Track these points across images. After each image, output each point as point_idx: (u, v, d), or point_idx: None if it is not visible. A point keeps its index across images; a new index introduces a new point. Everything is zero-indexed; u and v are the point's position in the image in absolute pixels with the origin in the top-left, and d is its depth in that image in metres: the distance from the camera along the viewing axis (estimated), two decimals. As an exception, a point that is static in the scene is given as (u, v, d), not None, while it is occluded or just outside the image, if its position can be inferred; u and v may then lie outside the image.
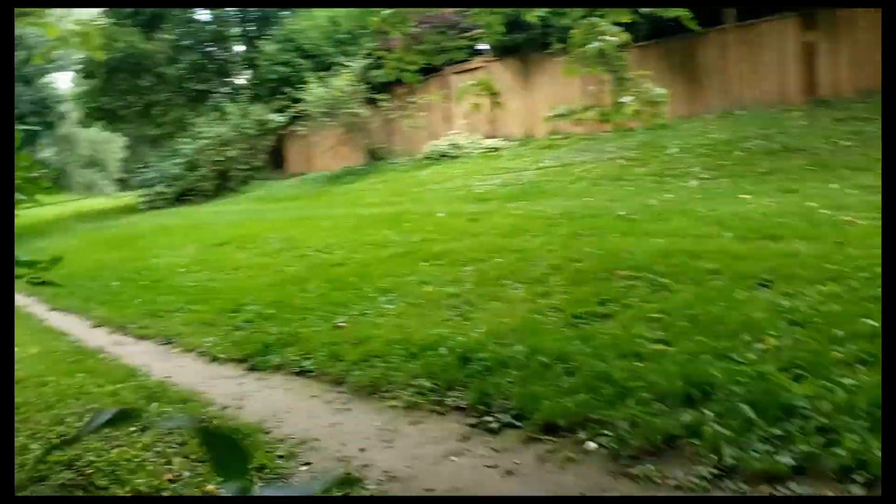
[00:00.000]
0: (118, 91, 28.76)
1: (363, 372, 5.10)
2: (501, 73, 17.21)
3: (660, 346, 4.58)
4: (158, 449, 4.27)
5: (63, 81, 52.90)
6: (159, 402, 5.09)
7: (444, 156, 17.19)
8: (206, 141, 24.64)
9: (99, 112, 30.02)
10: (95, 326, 8.38)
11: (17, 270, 4.62)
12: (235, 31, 30.63)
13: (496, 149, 16.47)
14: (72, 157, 63.68)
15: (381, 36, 11.57)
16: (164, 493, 3.78)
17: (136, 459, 4.14)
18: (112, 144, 62.83)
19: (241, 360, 6.05)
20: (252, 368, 5.86)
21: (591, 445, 3.69)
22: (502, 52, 17.12)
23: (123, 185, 29.84)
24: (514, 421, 4.07)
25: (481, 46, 17.60)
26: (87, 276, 11.38)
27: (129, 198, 27.30)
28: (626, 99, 4.87)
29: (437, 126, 18.89)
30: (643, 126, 12.53)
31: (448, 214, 10.33)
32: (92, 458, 4.19)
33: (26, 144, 18.04)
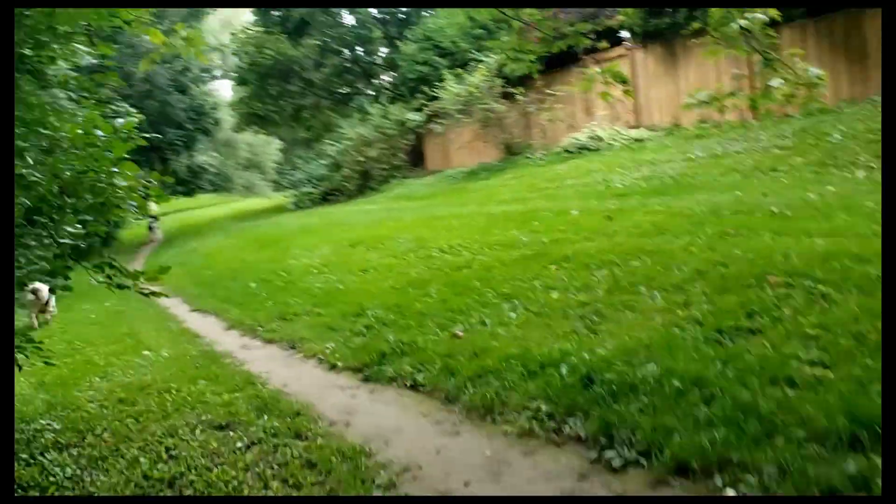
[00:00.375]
0: (269, 96, 30.12)
1: (477, 390, 4.70)
2: (644, 61, 16.23)
3: (818, 371, 3.85)
4: (258, 469, 4.09)
5: (225, 89, 56.46)
6: (270, 415, 4.94)
7: (583, 149, 16.45)
8: (349, 142, 25.21)
9: (252, 117, 31.56)
10: (228, 329, 8.54)
11: (125, 280, 4.61)
12: (378, 33, 31.18)
13: (640, 140, 15.52)
14: (232, 160, 67.98)
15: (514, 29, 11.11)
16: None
17: (234, 481, 3.97)
18: (269, 147, 66.35)
19: (356, 370, 5.84)
20: (366, 379, 5.62)
21: (730, 493, 3.09)
22: (645, 38, 16.13)
23: (277, 185, 31.19)
24: (639, 458, 3.51)
25: (624, 33, 16.72)
26: (230, 277, 11.77)
27: (281, 198, 28.52)
28: (775, 82, 4.13)
29: (576, 118, 18.14)
30: (800, 111, 11.37)
31: (582, 212, 9.70)
32: (193, 478, 4.07)
33: (183, 150, 19.21)
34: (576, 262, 7.18)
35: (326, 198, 25.10)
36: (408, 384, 5.25)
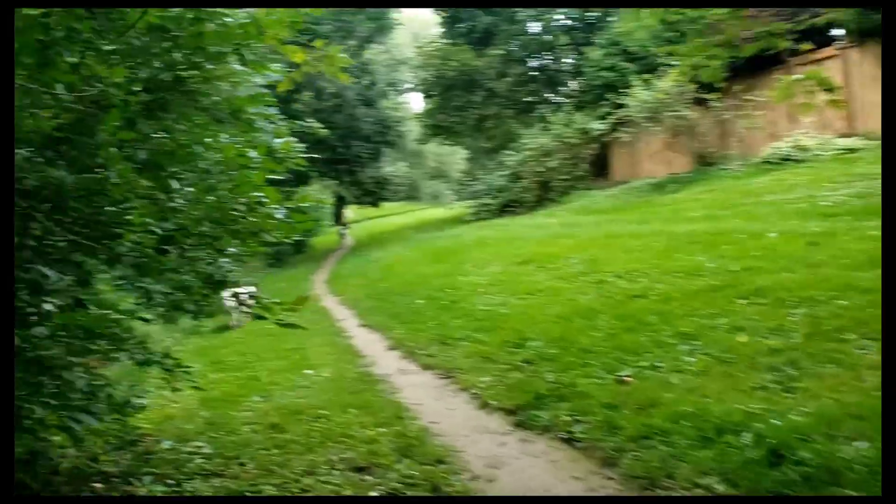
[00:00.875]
0: (453, 108, 30.50)
1: (640, 454, 4.03)
2: (859, 61, 14.33)
3: None
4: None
5: (417, 102, 58.39)
6: (411, 460, 4.58)
7: (786, 159, 14.80)
8: (530, 152, 24.79)
9: (436, 128, 32.11)
10: (390, 349, 8.37)
11: (262, 311, 4.44)
12: (564, 40, 30.54)
13: (853, 150, 13.64)
14: (420, 170, 70.23)
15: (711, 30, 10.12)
16: None
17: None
18: (455, 156, 67.72)
19: (510, 411, 5.34)
20: (519, 424, 5.11)
21: None
22: (861, 35, 14.22)
23: (459, 195, 31.55)
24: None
25: (836, 31, 14.89)
26: (401, 291, 11.73)
27: (461, 209, 28.73)
28: None
29: (778, 125, 16.43)
30: None
31: (781, 235, 8.52)
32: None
33: (369, 162, 19.61)
34: (770, 298, 6.19)
35: (505, 209, 24.82)
36: (563, 436, 4.68)
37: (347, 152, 24.23)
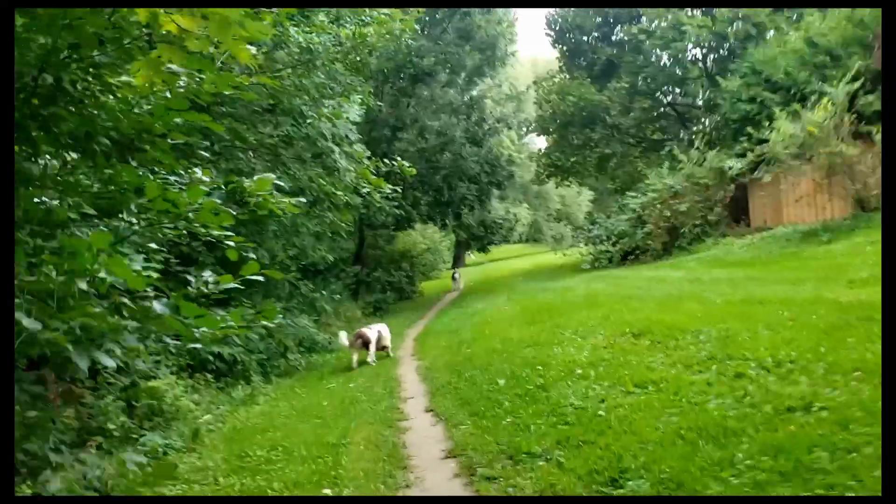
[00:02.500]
0: (571, 146, 28.40)
1: None
2: None
3: None
4: None
5: (538, 142, 56.63)
6: None
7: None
8: (655, 194, 22.26)
9: (554, 168, 30.04)
10: (447, 457, 6.32)
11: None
12: (696, 71, 27.83)
13: None
14: (543, 211, 68.07)
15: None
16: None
17: None
18: (580, 198, 65.39)
19: None
20: None
21: None
22: None
23: (579, 240, 29.27)
24: None
25: None
26: (483, 363, 9.71)
27: (573, 254, 26.41)
28: None
29: (967, 162, 13.21)
30: None
31: None
32: None
33: (476, 204, 17.65)
34: None
35: (626, 258, 22.31)
36: None
37: (452, 194, 22.59)
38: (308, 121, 13.17)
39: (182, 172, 4.60)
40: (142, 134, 3.60)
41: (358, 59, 14.50)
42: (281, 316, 13.89)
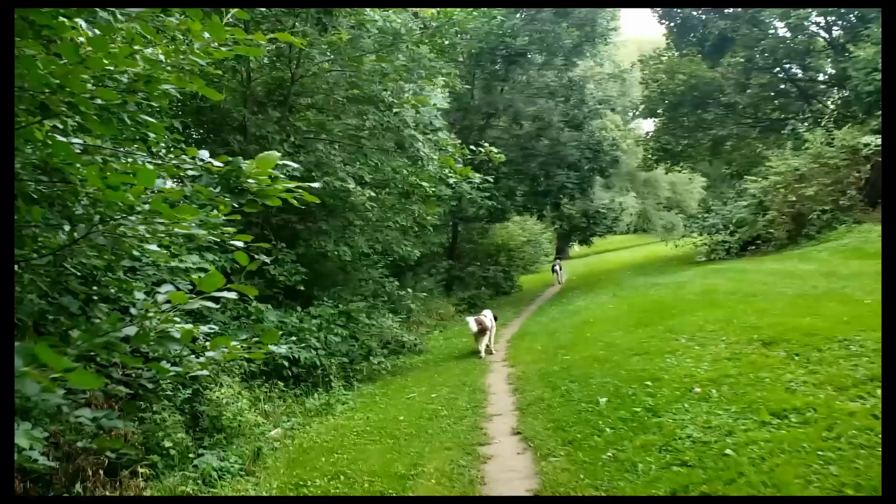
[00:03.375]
0: (682, 128, 26.29)
1: None
2: None
3: None
4: None
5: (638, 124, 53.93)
6: None
7: None
8: (778, 177, 20.06)
9: (663, 152, 27.96)
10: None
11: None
12: (821, 42, 25.12)
13: None
14: (652, 200, 65.05)
15: None
16: None
17: None
18: (692, 185, 62.02)
19: None
20: None
21: None
22: None
23: (692, 229, 27.20)
24: None
25: None
26: (582, 374, 8.46)
27: (685, 245, 24.37)
28: None
29: None
30: None
31: None
32: None
33: (577, 192, 16.32)
34: None
35: (746, 248, 20.26)
36: None
37: (550, 183, 21.08)
38: (394, 110, 12.24)
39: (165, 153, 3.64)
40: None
41: (444, 40, 13.47)
42: (364, 315, 13.12)
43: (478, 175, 14.54)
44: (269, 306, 10.34)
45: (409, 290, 14.39)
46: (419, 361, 12.75)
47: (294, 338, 10.46)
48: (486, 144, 12.34)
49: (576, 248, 50.31)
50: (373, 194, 11.58)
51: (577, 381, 8.11)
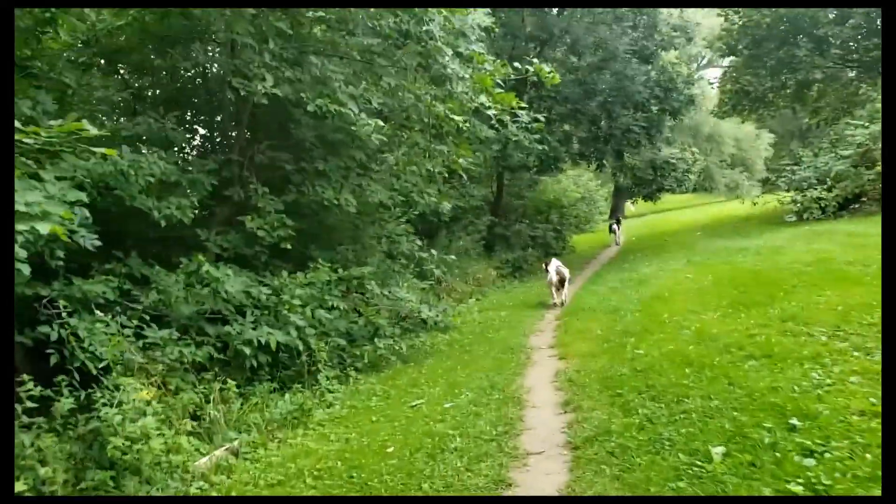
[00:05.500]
0: (766, 68, 22.59)
1: None
2: None
3: None
4: None
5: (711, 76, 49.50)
6: None
7: None
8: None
9: (742, 96, 24.22)
10: None
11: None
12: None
13: None
14: (715, 156, 60.61)
15: None
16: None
17: None
18: (758, 142, 57.59)
19: None
20: None
21: None
22: None
23: (769, 186, 23.71)
24: None
25: None
26: (665, 386, 5.61)
27: (772, 202, 21.01)
28: None
29: None
30: None
31: None
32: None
33: (644, 138, 12.97)
34: None
35: (846, 207, 16.87)
36: None
37: (613, 125, 17.69)
38: (417, 15, 9.31)
39: None
40: None
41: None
42: (374, 283, 10.42)
43: (524, 111, 11.66)
44: (230, 271, 7.69)
45: (433, 251, 11.56)
46: (443, 342, 10.00)
47: (265, 313, 7.84)
48: (535, 62, 9.41)
49: (631, 208, 46.75)
50: (381, 124, 8.74)
51: (661, 401, 5.27)
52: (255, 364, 7.32)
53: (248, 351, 7.14)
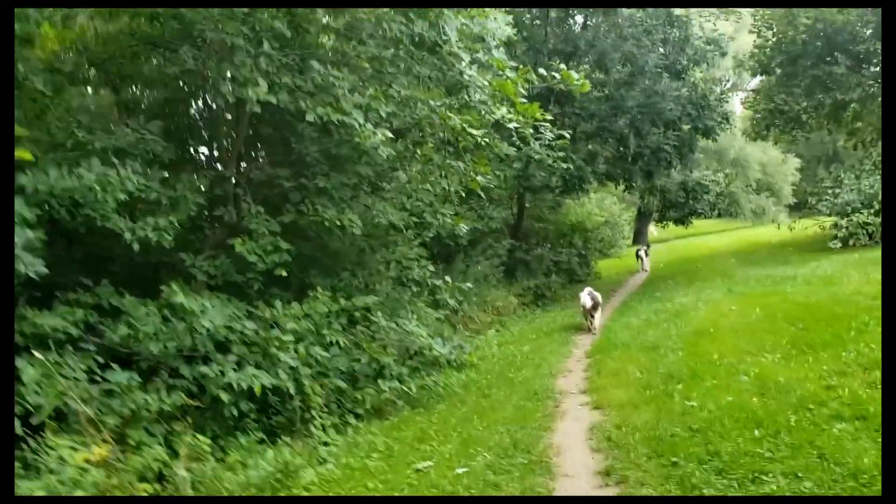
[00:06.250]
0: (801, 87, 21.42)
1: None
2: None
3: None
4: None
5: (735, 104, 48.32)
6: None
7: None
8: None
9: (777, 115, 22.98)
10: None
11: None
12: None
13: None
14: (741, 181, 59.14)
15: None
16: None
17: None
18: (785, 167, 56.24)
19: None
20: None
21: None
22: None
23: (805, 210, 22.46)
24: None
25: None
26: (735, 455, 4.50)
27: (812, 227, 19.79)
28: None
29: None
30: None
31: None
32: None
33: (675, 158, 11.63)
34: None
35: (896, 232, 15.63)
36: None
37: (642, 144, 16.51)
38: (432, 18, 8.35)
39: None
40: None
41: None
42: (381, 314, 9.32)
43: (548, 126, 10.69)
44: (209, 302, 6.66)
45: (448, 279, 10.45)
46: (457, 383, 8.87)
47: (253, 351, 6.81)
48: (564, 67, 8.42)
49: (654, 233, 45.45)
50: (389, 135, 7.71)
51: (731, 476, 4.14)
52: (235, 413, 6.27)
53: (226, 398, 6.09)
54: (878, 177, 17.04)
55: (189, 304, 6.36)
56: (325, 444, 6.65)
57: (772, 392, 5.57)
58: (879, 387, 5.07)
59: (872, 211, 16.10)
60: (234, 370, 6.47)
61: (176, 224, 7.11)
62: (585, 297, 11.60)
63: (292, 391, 6.81)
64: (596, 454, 5.31)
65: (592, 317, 11.69)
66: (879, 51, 20.86)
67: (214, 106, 9.56)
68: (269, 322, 7.37)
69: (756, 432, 4.73)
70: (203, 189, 8.55)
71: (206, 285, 7.80)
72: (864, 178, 18.08)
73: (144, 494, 4.80)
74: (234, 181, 8.66)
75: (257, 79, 7.18)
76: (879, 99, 22.88)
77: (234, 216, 8.35)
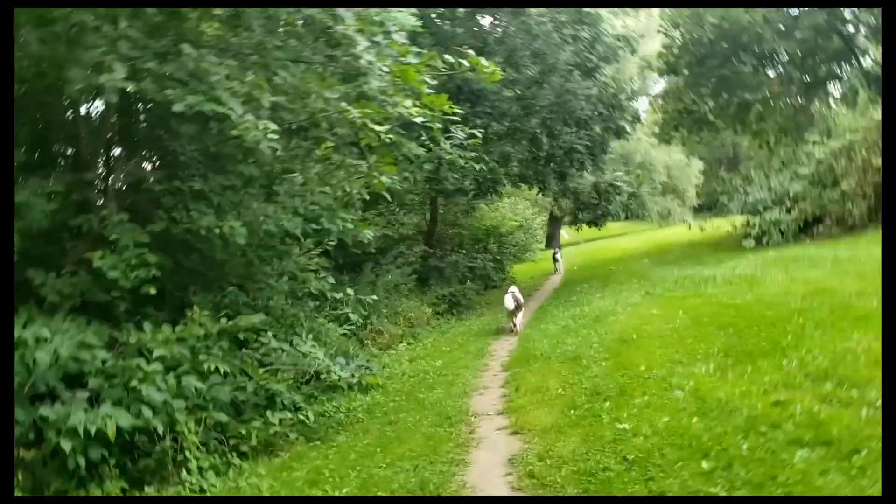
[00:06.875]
0: (707, 87, 21.53)
1: None
2: None
3: None
4: None
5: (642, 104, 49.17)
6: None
7: None
8: (846, 141, 15.52)
9: (685, 115, 23.06)
10: None
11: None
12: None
13: None
14: (648, 184, 60.38)
15: None
16: None
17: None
18: (689, 169, 57.92)
19: None
20: None
21: None
22: None
23: (703, 212, 22.64)
24: None
25: None
26: (672, 495, 3.72)
27: (719, 226, 19.87)
28: None
29: None
30: None
31: None
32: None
33: (587, 159, 10.92)
34: None
35: (806, 229, 15.65)
36: None
37: (554, 145, 15.97)
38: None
39: None
40: None
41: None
42: (270, 335, 8.14)
43: (459, 126, 9.94)
44: (57, 328, 5.51)
45: (349, 291, 9.49)
46: (361, 407, 7.90)
47: (114, 384, 5.70)
48: (472, 53, 7.65)
49: (565, 236, 45.71)
50: (274, 128, 6.72)
51: None
52: (80, 463, 5.13)
53: (67, 446, 4.96)
54: (788, 175, 17.12)
55: (24, 332, 5.19)
56: (202, 489, 5.61)
57: (713, 412, 4.89)
58: (835, 402, 4.46)
59: (784, 209, 16.08)
60: (85, 410, 5.35)
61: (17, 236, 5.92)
62: (509, 298, 11.67)
63: (160, 430, 5.73)
64: (517, 493, 4.48)
65: (515, 317, 11.77)
66: (781, 51, 21.22)
67: (70, 100, 8.28)
68: (135, 348, 6.26)
69: (704, 464, 4.02)
70: (57, 195, 7.34)
71: (64, 307, 6.61)
72: (773, 177, 18.15)
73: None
74: (96, 188, 7.47)
75: (112, 63, 6.08)
76: (781, 101, 23.36)
77: (95, 225, 7.17)
